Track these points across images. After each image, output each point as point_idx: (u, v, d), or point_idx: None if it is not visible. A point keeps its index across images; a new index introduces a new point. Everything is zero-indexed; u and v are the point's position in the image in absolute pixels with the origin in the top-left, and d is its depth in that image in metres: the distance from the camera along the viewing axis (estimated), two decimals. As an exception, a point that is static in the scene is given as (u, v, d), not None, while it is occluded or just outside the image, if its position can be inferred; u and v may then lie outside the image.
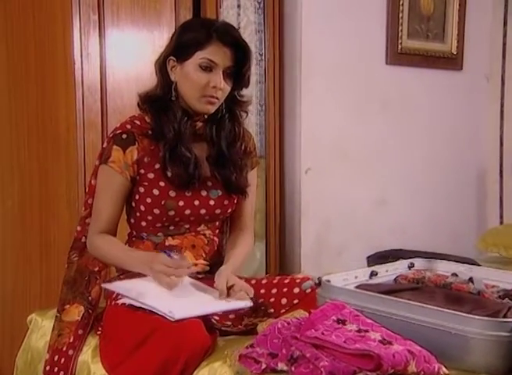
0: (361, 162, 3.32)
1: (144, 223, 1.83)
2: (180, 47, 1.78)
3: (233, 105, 1.87)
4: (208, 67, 1.75)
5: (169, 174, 1.78)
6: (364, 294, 1.65)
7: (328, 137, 3.20)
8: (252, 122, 3.09)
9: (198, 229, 1.86)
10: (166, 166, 1.78)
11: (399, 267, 2.03)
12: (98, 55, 2.52)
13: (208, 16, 2.76)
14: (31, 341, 2.01)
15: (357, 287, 1.80)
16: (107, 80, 2.54)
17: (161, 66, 1.81)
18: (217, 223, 1.92)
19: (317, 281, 1.73)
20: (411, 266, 2.08)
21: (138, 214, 1.83)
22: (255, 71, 3.07)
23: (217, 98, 1.78)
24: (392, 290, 1.76)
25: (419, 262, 2.09)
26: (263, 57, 3.06)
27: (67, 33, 2.46)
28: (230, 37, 1.76)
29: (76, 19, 2.45)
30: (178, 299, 1.68)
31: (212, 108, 1.80)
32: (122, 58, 2.61)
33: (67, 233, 2.32)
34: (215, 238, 1.92)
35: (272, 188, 3.08)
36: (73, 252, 1.92)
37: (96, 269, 1.90)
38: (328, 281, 1.73)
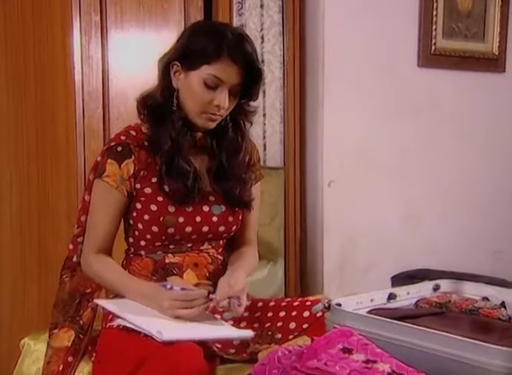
0: (390, 173, 3.27)
1: (142, 242, 1.82)
2: (186, 54, 1.75)
3: (238, 115, 1.86)
4: (213, 84, 1.73)
5: (167, 188, 1.76)
6: (375, 320, 1.56)
7: (354, 147, 3.15)
8: (276, 130, 3.10)
9: (201, 248, 1.85)
10: (163, 180, 1.76)
11: (422, 289, 1.93)
12: (100, 58, 2.52)
13: (220, 16, 2.78)
14: (23, 367, 1.99)
15: (370, 311, 1.71)
16: (109, 85, 2.54)
17: (164, 68, 1.79)
18: (221, 242, 1.91)
19: (326, 304, 1.66)
20: (436, 288, 1.97)
21: (137, 232, 1.81)
22: (279, 75, 3.05)
23: (220, 116, 1.78)
24: (409, 315, 1.67)
25: (446, 284, 1.99)
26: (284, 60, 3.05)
27: (67, 34, 2.47)
28: (242, 55, 1.72)
29: (76, 20, 2.47)
30: (171, 320, 1.66)
31: (213, 125, 1.79)
32: (127, 61, 2.59)
33: (66, 248, 2.19)
34: (219, 257, 1.90)
35: (291, 202, 3.05)
36: (65, 272, 1.91)
37: (88, 290, 1.88)
38: (339, 305, 1.65)
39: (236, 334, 1.69)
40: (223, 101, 1.73)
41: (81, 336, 1.84)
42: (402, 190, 3.30)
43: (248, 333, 1.68)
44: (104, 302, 1.78)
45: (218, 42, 1.71)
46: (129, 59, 2.61)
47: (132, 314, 1.67)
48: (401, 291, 1.88)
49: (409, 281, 2.21)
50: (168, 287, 1.68)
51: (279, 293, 2.95)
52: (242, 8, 2.99)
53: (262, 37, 3.03)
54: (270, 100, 3.07)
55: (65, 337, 1.83)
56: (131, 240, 1.85)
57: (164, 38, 2.60)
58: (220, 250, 1.91)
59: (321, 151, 3.07)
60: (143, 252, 1.83)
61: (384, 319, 1.56)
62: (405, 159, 3.31)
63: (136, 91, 2.35)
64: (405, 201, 3.30)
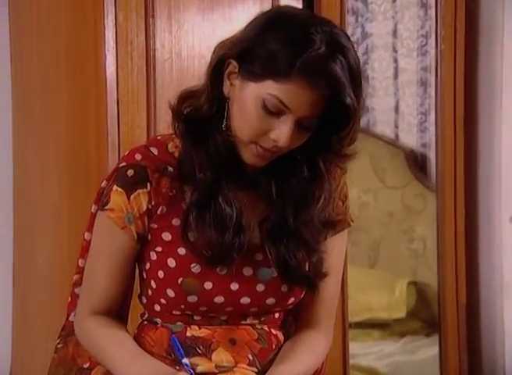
0: None
1: (157, 307, 1.67)
2: (248, 56, 1.54)
3: (320, 154, 1.63)
4: (274, 110, 1.52)
5: (192, 238, 1.60)
6: None
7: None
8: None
9: (243, 322, 1.68)
10: (190, 225, 1.60)
11: None
12: (144, 42, 2.32)
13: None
14: None
15: None
16: (156, 81, 2.34)
17: (218, 63, 1.59)
18: (276, 315, 1.72)
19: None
20: None
21: (150, 292, 1.67)
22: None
23: (274, 153, 1.59)
24: None
25: None
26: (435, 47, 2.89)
27: (97, 10, 2.26)
28: (326, 78, 1.47)
29: (109, -8, 2.29)
30: None
31: (261, 163, 1.61)
32: (182, 48, 2.40)
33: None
34: (274, 331, 1.70)
35: (449, 246, 2.83)
36: (60, 335, 1.81)
37: (86, 365, 1.73)
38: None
39: None
40: (283, 136, 1.52)
41: None
42: None
43: None
44: None
45: (296, 52, 1.47)
46: (185, 45, 2.40)
47: None
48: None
49: None
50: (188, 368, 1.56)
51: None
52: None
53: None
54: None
55: None
56: (144, 300, 1.71)
57: (238, 16, 2.40)
58: (278, 324, 1.73)
59: (499, 172, 2.86)
60: (158, 320, 1.68)
61: None
62: None
63: (193, 87, 2.19)
64: None
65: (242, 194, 1.64)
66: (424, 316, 3.13)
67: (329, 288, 1.73)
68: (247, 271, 1.64)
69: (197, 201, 1.60)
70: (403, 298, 3.11)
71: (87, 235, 1.72)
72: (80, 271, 1.73)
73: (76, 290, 1.75)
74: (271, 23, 1.55)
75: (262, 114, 1.52)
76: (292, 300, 1.68)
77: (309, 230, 1.66)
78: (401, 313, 3.11)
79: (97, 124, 2.34)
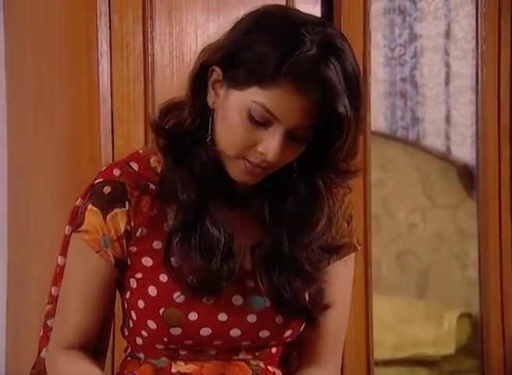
0: None
1: (139, 341, 1.63)
2: (232, 60, 1.51)
3: (316, 171, 1.58)
4: (261, 120, 1.49)
5: (175, 264, 1.57)
6: None
7: None
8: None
9: (234, 357, 1.64)
10: (173, 250, 1.57)
11: None
12: (141, 47, 2.29)
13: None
14: None
15: None
16: (155, 89, 2.31)
17: (200, 71, 1.56)
18: (273, 350, 1.67)
19: None
20: None
21: (131, 324, 1.63)
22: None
23: (264, 168, 1.55)
24: None
25: None
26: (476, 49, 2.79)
27: (90, 12, 2.24)
28: (317, 83, 1.43)
29: (102, -7, 2.25)
30: None
31: (252, 181, 1.57)
32: (184, 52, 2.38)
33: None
34: (271, 369, 1.66)
35: (494, 271, 2.68)
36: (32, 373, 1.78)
37: None
38: None
39: None
40: (272, 149, 1.48)
41: None
42: None
43: None
44: None
45: (283, 54, 1.44)
46: (188, 49, 2.39)
47: None
48: None
49: None
50: None
51: None
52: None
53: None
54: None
55: None
56: (126, 332, 1.68)
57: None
58: (276, 360, 1.68)
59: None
60: (142, 355, 1.66)
61: None
62: None
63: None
64: None
65: (233, 214, 1.59)
66: (478, 353, 2.95)
67: (334, 320, 1.67)
68: (237, 300, 1.59)
69: (182, 224, 1.55)
70: (453, 332, 2.99)
71: (60, 260, 1.68)
72: (53, 300, 1.69)
73: (48, 322, 1.70)
74: (258, 23, 1.50)
75: (248, 125, 1.47)
76: (289, 333, 1.61)
77: (307, 257, 1.60)
78: (450, 349, 2.97)
79: (91, 138, 2.30)
